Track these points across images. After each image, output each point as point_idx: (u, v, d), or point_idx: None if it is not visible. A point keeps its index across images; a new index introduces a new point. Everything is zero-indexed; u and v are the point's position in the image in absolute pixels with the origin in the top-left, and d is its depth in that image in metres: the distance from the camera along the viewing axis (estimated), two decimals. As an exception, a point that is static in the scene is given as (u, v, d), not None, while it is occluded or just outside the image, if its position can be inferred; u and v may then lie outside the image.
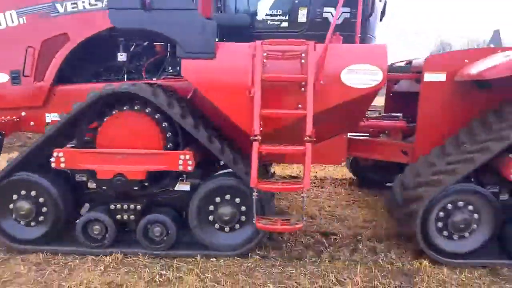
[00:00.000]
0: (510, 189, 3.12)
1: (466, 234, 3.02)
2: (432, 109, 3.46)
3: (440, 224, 3.01)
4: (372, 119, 4.21)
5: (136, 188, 3.04)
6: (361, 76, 2.97)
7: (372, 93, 3.06)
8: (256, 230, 3.03)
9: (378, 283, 2.74)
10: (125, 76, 3.58)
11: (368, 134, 4.16)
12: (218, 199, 3.07)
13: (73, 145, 3.17)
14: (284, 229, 2.93)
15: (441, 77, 3.37)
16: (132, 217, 3.13)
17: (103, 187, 3.09)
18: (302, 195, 2.86)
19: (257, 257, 3.10)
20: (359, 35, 3.14)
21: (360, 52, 3.07)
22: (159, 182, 3.14)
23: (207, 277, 2.80)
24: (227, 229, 3.12)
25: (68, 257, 3.07)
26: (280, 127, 3.04)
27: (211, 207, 3.09)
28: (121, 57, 3.48)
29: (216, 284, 2.70)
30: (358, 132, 4.13)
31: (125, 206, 3.12)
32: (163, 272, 2.87)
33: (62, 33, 3.33)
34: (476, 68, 3.09)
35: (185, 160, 2.92)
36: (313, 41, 2.91)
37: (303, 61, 2.92)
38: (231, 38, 3.22)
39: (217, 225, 3.12)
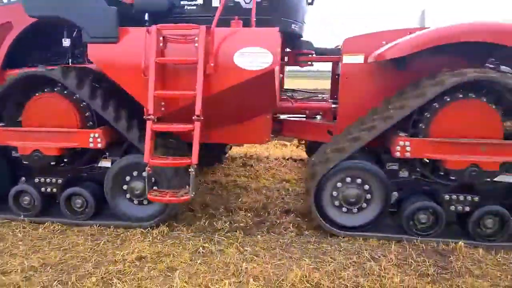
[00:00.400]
0: (410, 166, 3.21)
1: (358, 208, 3.21)
2: (351, 90, 3.54)
3: (333, 199, 3.22)
4: (300, 101, 4.23)
5: (53, 163, 3.37)
6: (252, 58, 3.03)
7: (265, 75, 3.07)
8: (164, 204, 3.28)
9: (412, 261, 2.82)
10: (70, 61, 3.81)
11: (305, 116, 4.19)
12: (128, 175, 3.35)
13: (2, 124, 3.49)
14: (170, 200, 3.10)
15: (359, 59, 3.43)
16: (54, 190, 3.49)
17: (25, 162, 3.43)
18: (189, 170, 2.98)
19: (293, 233, 3.25)
20: (254, 19, 3.20)
21: (252, 35, 3.11)
22: (81, 159, 3.50)
23: (246, 250, 2.99)
24: (136, 202, 3.40)
25: (119, 229, 3.35)
26: (179, 108, 3.16)
27: (123, 182, 3.38)
28: (65, 42, 3.70)
29: (255, 257, 2.88)
30: (292, 114, 4.24)
31: (48, 180, 3.49)
32: (205, 245, 3.07)
33: (6, 21, 3.65)
34: (382, 49, 3.18)
35: (94, 138, 3.22)
36: (205, 26, 3.00)
37: (196, 44, 3.01)
38: (158, 23, 3.19)
39: (128, 198, 3.41)
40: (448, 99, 2.97)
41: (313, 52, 4.23)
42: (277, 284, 2.53)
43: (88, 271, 2.68)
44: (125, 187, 3.39)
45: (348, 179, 3.19)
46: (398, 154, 3.03)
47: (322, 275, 2.62)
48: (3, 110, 3.49)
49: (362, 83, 3.50)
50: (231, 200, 4.12)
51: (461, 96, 2.97)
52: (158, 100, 3.10)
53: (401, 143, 3.01)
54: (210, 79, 3.06)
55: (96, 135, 3.24)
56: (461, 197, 3.13)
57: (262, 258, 2.86)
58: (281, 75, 4.46)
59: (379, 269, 2.71)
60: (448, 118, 2.99)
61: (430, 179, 3.22)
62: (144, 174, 3.13)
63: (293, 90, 4.82)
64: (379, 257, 2.89)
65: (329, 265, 2.77)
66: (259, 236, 3.23)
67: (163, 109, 3.15)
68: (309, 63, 4.30)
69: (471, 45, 2.90)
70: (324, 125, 3.94)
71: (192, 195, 3.06)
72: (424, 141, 3.02)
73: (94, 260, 2.83)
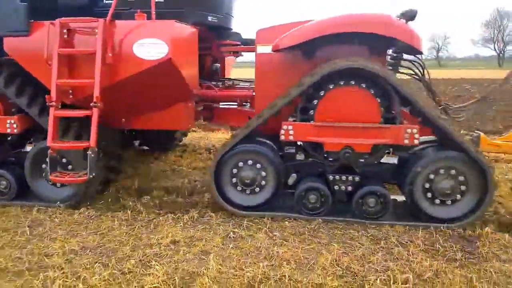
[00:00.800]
0: (303, 150, 3.42)
1: (254, 189, 3.44)
2: (264, 79, 3.69)
3: (231, 180, 3.46)
4: (225, 90, 4.34)
5: None
6: (149, 49, 3.22)
7: (162, 64, 3.23)
8: (78, 186, 3.54)
9: (439, 246, 2.87)
10: None
11: (236, 103, 4.23)
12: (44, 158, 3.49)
13: None
14: (68, 180, 3.36)
15: (268, 49, 3.54)
16: None
17: None
18: (88, 152, 3.24)
19: (320, 219, 3.33)
20: (154, 12, 3.34)
21: (149, 28, 3.28)
22: (5, 144, 3.84)
23: (276, 235, 3.08)
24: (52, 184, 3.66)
25: (150, 215, 3.47)
26: (86, 95, 3.32)
27: (41, 165, 3.66)
28: None
29: (284, 241, 2.97)
30: (216, 102, 4.28)
31: None
32: (235, 230, 3.17)
33: None
34: (276, 40, 3.39)
35: (11, 124, 3.58)
36: (103, 19, 3.20)
37: (96, 36, 3.18)
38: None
39: (46, 180, 3.65)
40: (331, 87, 3.21)
41: (239, 43, 4.36)
42: (309, 267, 2.61)
43: (126, 254, 2.80)
44: (41, 171, 3.69)
45: (243, 162, 3.41)
46: (283, 137, 3.29)
47: (351, 259, 2.69)
48: None
49: (273, 72, 3.64)
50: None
51: (342, 83, 3.20)
52: (64, 88, 3.36)
53: (285, 127, 3.27)
54: (111, 69, 3.27)
55: (12, 121, 3.60)
56: (344, 178, 3.34)
57: (291, 242, 2.95)
58: (218, 65, 4.76)
59: (407, 254, 2.77)
60: (331, 104, 3.23)
61: (321, 161, 3.41)
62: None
63: (235, 79, 4.88)
64: (406, 242, 2.95)
65: (357, 250, 2.84)
66: (286, 222, 3.31)
67: (71, 96, 3.42)
68: (231, 53, 4.45)
69: (369, 36, 3.09)
70: (245, 112, 4.06)
71: (91, 177, 3.30)
72: (305, 125, 3.28)
73: (131, 243, 2.95)
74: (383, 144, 3.23)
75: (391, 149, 3.34)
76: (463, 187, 3.17)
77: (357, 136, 3.21)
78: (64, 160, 3.50)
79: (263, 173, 3.41)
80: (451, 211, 3.20)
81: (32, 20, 3.42)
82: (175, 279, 2.45)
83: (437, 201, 3.20)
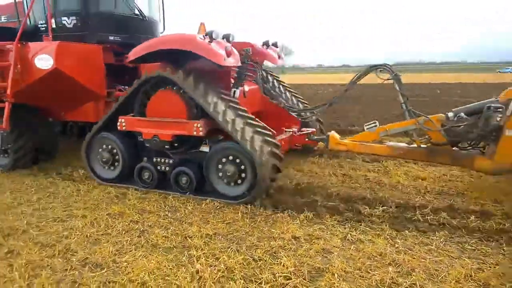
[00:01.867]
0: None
1: (111, 166, 4.62)
2: None
3: (97, 158, 4.69)
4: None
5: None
6: (43, 62, 4.56)
7: (52, 72, 4.53)
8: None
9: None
10: None
11: None
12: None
13: None
14: None
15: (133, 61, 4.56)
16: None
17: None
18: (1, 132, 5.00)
19: (445, 232, 3.17)
20: (51, 36, 4.91)
21: (44, 47, 4.63)
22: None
23: (397, 242, 3.02)
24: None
25: (267, 211, 3.70)
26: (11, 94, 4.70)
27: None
28: None
29: (409, 250, 2.90)
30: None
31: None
32: (353, 232, 3.20)
33: None
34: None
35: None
36: (18, 42, 4.62)
37: (11, 53, 4.68)
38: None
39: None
40: (155, 90, 4.25)
41: None
42: (440, 278, 2.52)
43: (253, 243, 3.04)
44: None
45: (104, 146, 4.63)
46: (119, 128, 4.41)
47: (489, 276, 2.52)
48: None
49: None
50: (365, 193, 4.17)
51: (162, 88, 4.22)
52: None
53: (120, 120, 4.41)
54: (23, 76, 4.69)
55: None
56: (162, 160, 4.36)
57: (417, 252, 2.87)
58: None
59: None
60: (154, 102, 4.23)
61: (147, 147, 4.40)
62: None
63: None
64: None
65: (494, 267, 2.64)
66: (407, 231, 3.22)
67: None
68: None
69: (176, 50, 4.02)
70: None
71: (3, 148, 5.33)
72: (131, 119, 4.38)
73: (256, 234, 3.19)
74: (181, 134, 4.11)
75: (206, 140, 4.19)
76: (243, 174, 3.96)
77: (161, 128, 4.17)
78: None
79: (116, 155, 4.58)
80: (235, 191, 3.98)
81: None
82: (303, 271, 2.60)
83: (226, 181, 4.02)
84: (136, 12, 5.51)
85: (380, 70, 4.22)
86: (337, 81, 28.60)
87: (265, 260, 2.76)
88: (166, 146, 4.20)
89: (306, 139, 4.84)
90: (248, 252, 2.89)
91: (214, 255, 2.84)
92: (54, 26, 5.02)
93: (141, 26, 5.60)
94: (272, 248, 2.96)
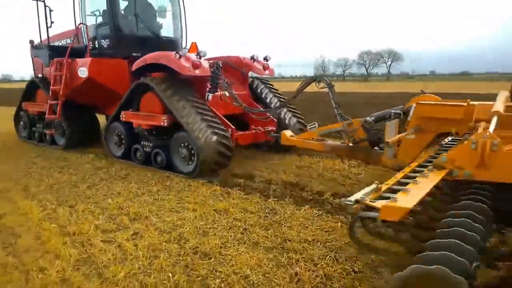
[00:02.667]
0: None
1: (120, 146, 6.48)
2: None
3: (112, 140, 6.63)
4: None
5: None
6: (82, 72, 6.65)
7: (87, 80, 6.57)
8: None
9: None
10: None
11: None
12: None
13: None
14: (49, 133, 7.59)
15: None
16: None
17: None
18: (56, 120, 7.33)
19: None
20: (88, 54, 6.93)
21: (83, 62, 6.72)
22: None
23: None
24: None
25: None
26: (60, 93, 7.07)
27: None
28: None
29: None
30: None
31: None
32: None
33: None
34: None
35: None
36: (69, 58, 6.95)
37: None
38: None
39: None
40: (146, 92, 5.91)
41: None
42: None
43: (353, 254, 2.99)
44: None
45: (115, 132, 6.46)
46: (121, 119, 6.17)
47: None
48: None
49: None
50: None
51: (149, 91, 5.82)
52: (55, 91, 7.14)
53: (121, 114, 6.15)
54: (71, 82, 6.93)
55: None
56: (146, 143, 5.95)
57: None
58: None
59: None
60: (144, 101, 5.93)
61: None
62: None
63: None
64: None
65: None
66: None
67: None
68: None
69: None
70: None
71: (57, 132, 7.62)
72: (128, 113, 6.08)
73: (355, 246, 3.12)
74: (154, 125, 5.72)
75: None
76: (193, 157, 5.29)
77: (143, 120, 5.84)
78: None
79: (121, 138, 6.44)
80: (188, 168, 5.36)
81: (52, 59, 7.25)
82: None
83: (182, 161, 5.45)
84: (152, 32, 7.09)
85: (318, 81, 5.11)
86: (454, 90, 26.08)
87: (365, 273, 2.70)
88: (145, 133, 5.89)
89: (267, 136, 5.99)
90: (347, 262, 2.86)
91: (312, 260, 2.88)
92: (96, 46, 6.93)
93: (158, 44, 6.82)
94: (374, 262, 2.87)
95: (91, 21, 7.21)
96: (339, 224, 3.57)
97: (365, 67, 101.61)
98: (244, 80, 6.76)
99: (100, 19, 7.06)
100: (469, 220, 2.18)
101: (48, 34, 7.48)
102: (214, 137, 5.11)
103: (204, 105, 5.55)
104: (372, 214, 2.19)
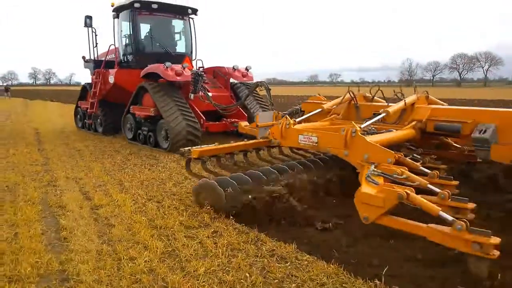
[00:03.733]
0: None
1: (131, 132, 9.10)
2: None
3: (127, 127, 9.28)
4: None
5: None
6: (111, 79, 9.62)
7: (113, 84, 9.54)
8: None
9: None
10: None
11: None
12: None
13: None
14: (90, 122, 11.07)
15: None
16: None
17: None
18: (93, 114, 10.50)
19: None
20: (116, 65, 9.88)
21: (112, 72, 9.59)
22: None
23: None
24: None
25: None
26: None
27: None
28: None
29: None
30: None
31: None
32: None
33: None
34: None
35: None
36: (104, 69, 9.98)
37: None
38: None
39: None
40: (145, 92, 8.52)
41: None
42: None
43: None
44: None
45: (128, 121, 9.10)
46: (131, 111, 8.89)
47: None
48: None
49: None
50: None
51: (147, 92, 8.33)
52: (94, 93, 10.18)
53: (131, 108, 8.87)
54: (104, 86, 9.99)
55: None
56: (144, 128, 8.53)
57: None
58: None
59: None
60: (144, 99, 8.61)
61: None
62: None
63: None
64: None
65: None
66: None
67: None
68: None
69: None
70: None
71: (93, 122, 10.85)
72: (134, 107, 8.82)
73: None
74: (149, 115, 8.19)
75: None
76: (168, 138, 7.70)
77: (142, 111, 8.46)
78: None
79: (132, 126, 8.93)
80: (166, 145, 7.83)
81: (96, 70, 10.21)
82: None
83: (163, 140, 7.93)
84: (164, 49, 9.41)
85: (260, 85, 8.04)
86: None
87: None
88: (143, 121, 8.52)
89: (231, 126, 8.19)
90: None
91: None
92: (123, 60, 9.74)
93: (170, 58, 8.75)
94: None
95: (123, 41, 9.68)
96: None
97: (458, 71, 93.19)
98: (226, 85, 9.32)
99: (127, 41, 9.53)
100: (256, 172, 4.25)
101: (93, 52, 10.53)
102: (184, 122, 7.46)
103: (184, 101, 7.90)
104: (187, 152, 4.62)
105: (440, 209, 2.67)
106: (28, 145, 8.68)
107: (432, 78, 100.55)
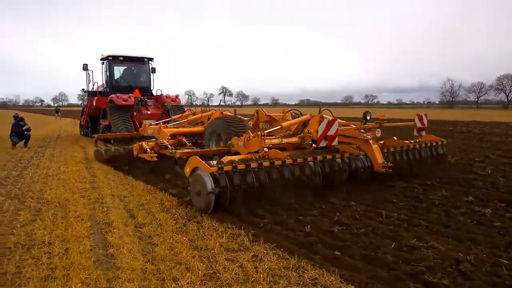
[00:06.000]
0: None
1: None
2: None
3: None
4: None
5: None
6: (93, 102, 15.35)
7: (96, 106, 15.05)
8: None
9: None
10: None
11: None
12: None
13: None
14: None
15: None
16: None
17: None
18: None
19: None
20: (98, 93, 15.36)
21: (94, 98, 15.26)
22: None
23: None
24: None
25: None
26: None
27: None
28: None
29: None
30: None
31: None
32: None
33: None
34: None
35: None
36: (89, 97, 16.28)
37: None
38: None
39: None
40: (106, 112, 14.03)
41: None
42: None
43: None
44: None
45: (100, 129, 14.97)
46: (100, 123, 14.86)
47: None
48: None
49: None
50: None
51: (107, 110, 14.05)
52: (85, 112, 17.35)
53: (100, 120, 14.85)
54: (90, 107, 15.77)
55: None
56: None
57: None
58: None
59: None
60: (107, 115, 13.89)
61: None
62: None
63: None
64: None
65: None
66: None
67: None
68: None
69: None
70: None
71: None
72: (101, 120, 14.79)
73: None
74: (107, 125, 13.97)
75: None
76: None
77: (103, 123, 14.36)
78: None
79: (100, 132, 14.38)
80: None
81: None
82: None
83: None
84: (128, 84, 14.87)
85: (170, 108, 13.31)
86: None
87: None
88: (104, 129, 13.87)
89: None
90: None
91: None
92: (103, 91, 14.97)
93: (133, 89, 14.10)
94: None
95: (104, 79, 15.43)
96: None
97: (505, 93, 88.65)
98: (162, 106, 13.80)
99: (106, 78, 15.18)
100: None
101: (88, 86, 15.75)
102: (124, 129, 12.36)
103: (127, 117, 13.10)
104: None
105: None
106: (77, 163, 9.18)
107: (476, 99, 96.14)
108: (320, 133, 5.82)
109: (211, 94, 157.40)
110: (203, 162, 4.90)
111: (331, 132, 5.87)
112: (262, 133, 5.91)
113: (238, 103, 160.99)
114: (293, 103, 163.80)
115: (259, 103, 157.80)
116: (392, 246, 3.66)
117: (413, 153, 6.73)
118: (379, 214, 4.70)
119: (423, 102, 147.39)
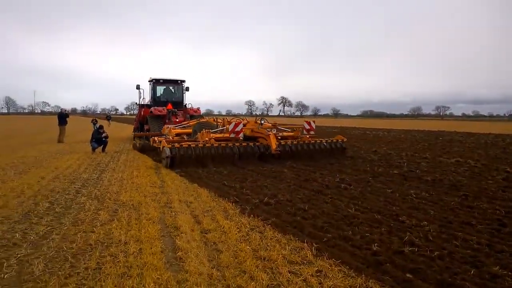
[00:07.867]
0: None
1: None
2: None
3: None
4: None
5: None
6: (142, 113, 20.19)
7: (143, 116, 19.32)
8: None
9: None
10: None
11: None
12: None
13: None
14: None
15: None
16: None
17: None
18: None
19: None
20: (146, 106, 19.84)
21: (142, 109, 19.72)
22: None
23: None
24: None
25: None
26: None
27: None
28: None
29: None
30: None
31: None
32: None
33: None
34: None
35: None
36: (140, 108, 20.90)
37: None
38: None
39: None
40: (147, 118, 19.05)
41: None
42: None
43: None
44: None
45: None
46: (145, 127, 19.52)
47: None
48: None
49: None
50: None
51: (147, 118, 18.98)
52: (137, 119, 22.80)
53: (144, 125, 19.81)
54: (140, 116, 20.68)
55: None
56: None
57: None
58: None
59: None
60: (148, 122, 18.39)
61: None
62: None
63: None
64: None
65: None
66: None
67: None
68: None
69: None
70: None
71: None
72: (145, 125, 19.45)
73: None
74: (148, 129, 18.24)
75: None
76: None
77: (146, 127, 18.78)
78: None
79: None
80: None
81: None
82: None
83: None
84: (166, 99, 19.26)
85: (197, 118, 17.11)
86: None
87: None
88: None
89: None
90: None
91: None
92: (149, 104, 19.44)
93: (170, 103, 18.39)
94: None
95: (150, 95, 19.69)
96: None
97: None
98: (184, 116, 18.05)
99: (151, 95, 19.49)
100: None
101: (140, 101, 20.09)
102: (156, 130, 16.32)
103: (161, 123, 16.85)
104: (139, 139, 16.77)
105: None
106: (148, 169, 9.82)
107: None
108: (230, 129, 11.20)
109: (271, 104, 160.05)
110: (166, 142, 10.59)
111: (238, 129, 11.20)
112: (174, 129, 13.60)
113: (298, 113, 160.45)
114: (355, 114, 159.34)
115: (319, 113, 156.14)
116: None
117: (313, 146, 11.66)
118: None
119: (504, 114, 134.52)
